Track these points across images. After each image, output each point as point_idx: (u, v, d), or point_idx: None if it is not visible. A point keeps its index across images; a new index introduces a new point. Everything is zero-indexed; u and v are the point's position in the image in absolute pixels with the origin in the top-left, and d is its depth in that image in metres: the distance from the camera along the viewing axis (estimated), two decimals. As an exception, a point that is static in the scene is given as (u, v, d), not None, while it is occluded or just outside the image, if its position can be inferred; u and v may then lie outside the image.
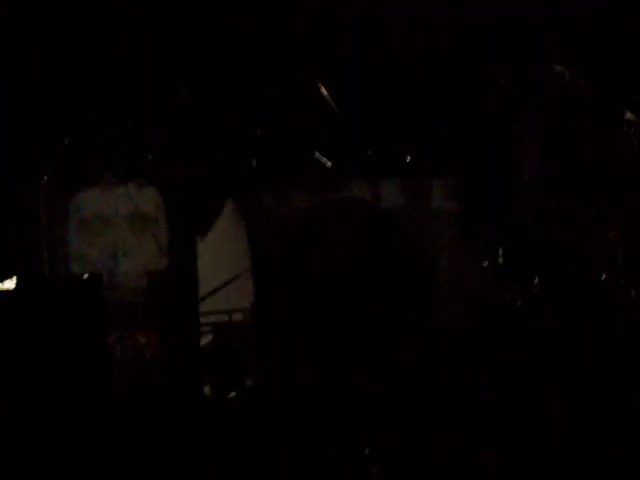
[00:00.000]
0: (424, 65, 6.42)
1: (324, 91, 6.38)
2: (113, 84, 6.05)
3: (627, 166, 6.14)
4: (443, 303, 6.54)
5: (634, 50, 6.10)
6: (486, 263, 6.44)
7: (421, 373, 6.23)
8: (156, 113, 6.20)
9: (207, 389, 6.30)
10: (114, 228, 6.25)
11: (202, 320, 6.36)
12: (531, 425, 5.54)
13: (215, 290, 6.38)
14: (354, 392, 6.20)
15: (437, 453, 5.42)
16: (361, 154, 6.56)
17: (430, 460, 5.40)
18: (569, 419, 5.54)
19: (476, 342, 6.29)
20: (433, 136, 6.48)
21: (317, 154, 6.55)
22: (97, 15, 5.97)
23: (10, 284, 4.62)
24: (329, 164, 6.51)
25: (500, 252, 6.33)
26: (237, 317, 6.53)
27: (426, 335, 6.42)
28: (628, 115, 6.08)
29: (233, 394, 6.31)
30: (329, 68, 6.35)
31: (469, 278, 6.54)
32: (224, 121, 6.37)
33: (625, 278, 6.03)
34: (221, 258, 6.49)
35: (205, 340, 6.42)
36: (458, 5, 6.13)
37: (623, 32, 6.08)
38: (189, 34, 6.12)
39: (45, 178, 6.12)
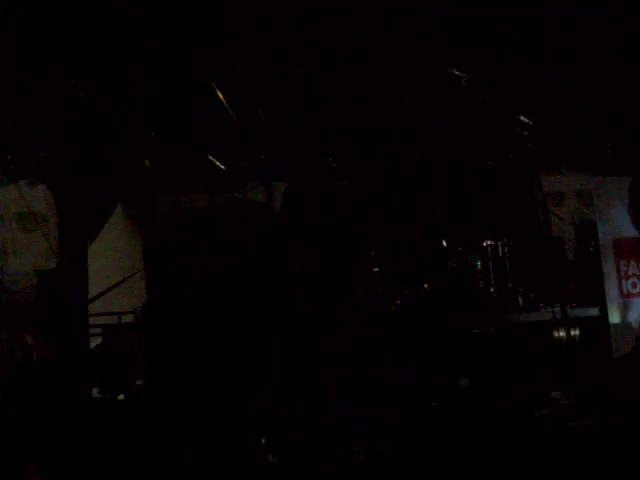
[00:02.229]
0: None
1: (220, 95, 6.40)
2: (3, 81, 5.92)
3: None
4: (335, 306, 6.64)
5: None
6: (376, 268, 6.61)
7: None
8: (48, 110, 6.10)
9: (96, 391, 6.22)
10: (4, 226, 6.11)
11: (91, 322, 6.28)
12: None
13: (105, 291, 6.30)
14: (247, 388, 6.26)
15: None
16: (256, 158, 6.61)
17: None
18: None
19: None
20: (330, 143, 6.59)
21: (210, 157, 6.57)
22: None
23: None
24: (222, 167, 6.54)
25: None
26: (127, 319, 6.47)
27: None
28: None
29: (122, 395, 6.25)
30: (225, 73, 6.39)
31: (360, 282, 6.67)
32: (118, 121, 6.31)
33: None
34: (113, 259, 6.43)
35: (95, 342, 6.34)
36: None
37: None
38: (84, 27, 6.02)
39: None
